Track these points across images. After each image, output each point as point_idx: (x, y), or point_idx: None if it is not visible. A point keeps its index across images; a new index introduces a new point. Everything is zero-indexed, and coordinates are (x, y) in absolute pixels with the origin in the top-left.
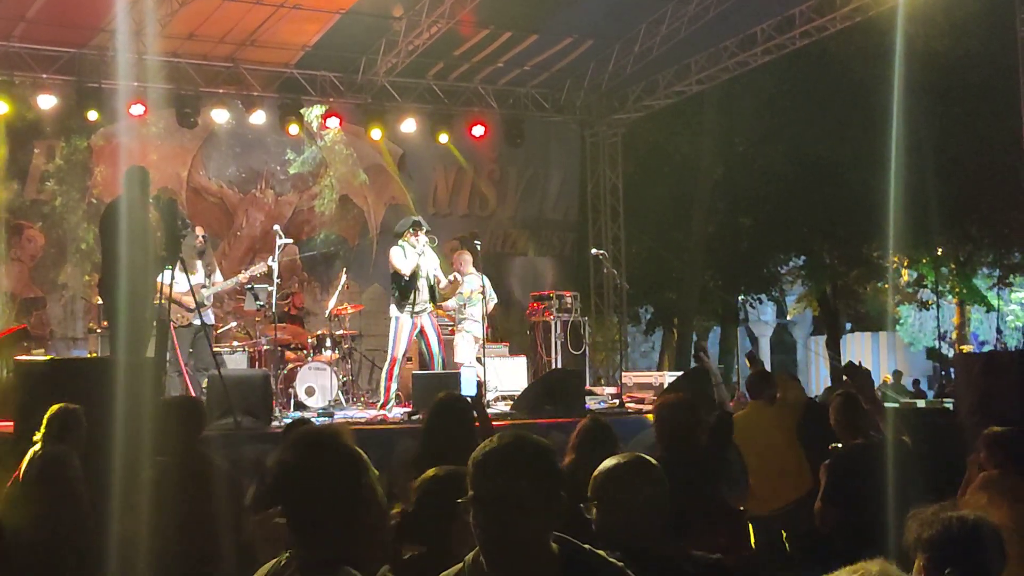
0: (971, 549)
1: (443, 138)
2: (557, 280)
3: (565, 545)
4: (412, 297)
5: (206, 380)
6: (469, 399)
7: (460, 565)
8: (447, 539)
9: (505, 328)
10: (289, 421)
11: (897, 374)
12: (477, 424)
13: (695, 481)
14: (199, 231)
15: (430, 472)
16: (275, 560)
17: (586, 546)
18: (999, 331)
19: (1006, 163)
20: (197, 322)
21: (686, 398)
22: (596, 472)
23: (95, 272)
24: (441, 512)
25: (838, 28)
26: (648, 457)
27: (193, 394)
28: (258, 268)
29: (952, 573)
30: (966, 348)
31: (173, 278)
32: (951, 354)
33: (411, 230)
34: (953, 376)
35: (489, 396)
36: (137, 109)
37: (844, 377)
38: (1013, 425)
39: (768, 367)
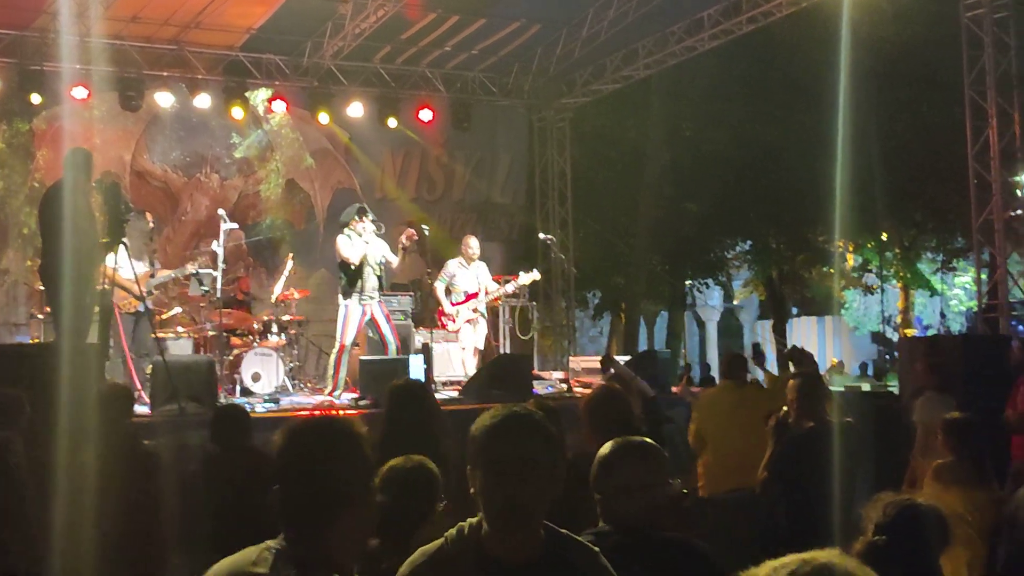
0: (908, 529)
1: (392, 122)
2: (505, 265)
3: (548, 529)
4: (360, 285)
5: (150, 366)
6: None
7: (441, 540)
8: (408, 533)
9: None
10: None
11: (840, 365)
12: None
13: None
14: (149, 216)
15: (396, 461)
16: (252, 551)
17: (563, 531)
18: (943, 315)
19: (950, 149)
20: (140, 308)
21: (614, 389)
22: (597, 457)
23: (37, 257)
24: (403, 505)
25: (784, 14)
26: (647, 439)
27: (137, 380)
28: (204, 261)
29: (880, 540)
30: (910, 332)
31: (116, 263)
32: (895, 338)
33: (356, 217)
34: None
35: (437, 382)
36: (80, 92)
37: (789, 362)
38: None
39: (715, 352)
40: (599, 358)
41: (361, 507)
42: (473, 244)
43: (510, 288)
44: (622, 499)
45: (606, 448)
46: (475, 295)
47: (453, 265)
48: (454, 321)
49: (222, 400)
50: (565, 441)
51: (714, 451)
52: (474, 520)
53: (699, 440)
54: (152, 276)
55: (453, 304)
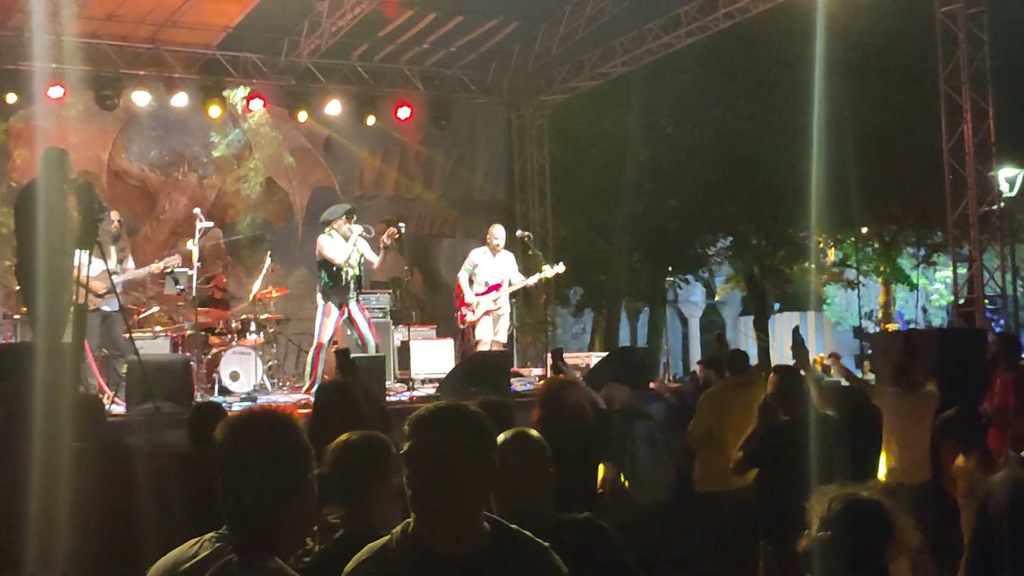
0: (851, 524)
1: (370, 120)
2: None
3: (494, 524)
4: (339, 284)
5: (125, 366)
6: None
7: (387, 537)
8: (364, 499)
9: (433, 310)
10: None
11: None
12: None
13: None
14: (114, 215)
15: (344, 436)
16: (196, 541)
17: (513, 526)
18: (924, 310)
19: (927, 144)
20: (105, 308)
21: (568, 382)
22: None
23: (14, 257)
24: (357, 473)
25: (761, 9)
26: (531, 431)
27: (102, 380)
28: (172, 260)
29: (823, 536)
30: (891, 327)
31: (90, 262)
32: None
33: (344, 218)
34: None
35: (415, 379)
36: (56, 91)
37: (791, 344)
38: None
39: (698, 348)
40: (580, 355)
41: (299, 496)
42: (498, 233)
43: (532, 281)
44: (518, 487)
45: (502, 437)
46: (497, 286)
47: (477, 254)
48: (473, 312)
49: (198, 399)
50: None
51: (716, 448)
52: None
53: (700, 437)
54: (115, 274)
55: (476, 295)
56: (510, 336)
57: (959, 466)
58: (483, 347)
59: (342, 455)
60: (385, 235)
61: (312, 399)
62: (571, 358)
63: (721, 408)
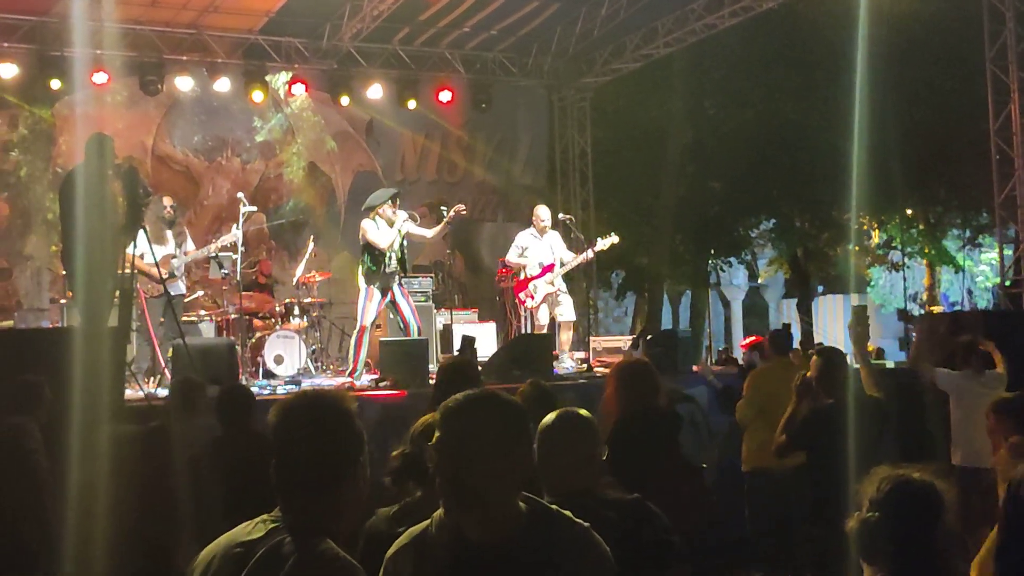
0: (901, 505)
1: (411, 104)
2: None
3: (532, 504)
4: (381, 268)
5: (171, 349)
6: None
7: (427, 522)
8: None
9: (475, 294)
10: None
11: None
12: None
13: (654, 440)
14: (167, 200)
15: (426, 418)
16: (248, 524)
17: (553, 506)
18: (970, 292)
19: (972, 125)
20: (171, 292)
21: (645, 362)
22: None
23: (61, 243)
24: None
25: None
26: (580, 411)
27: (163, 363)
28: (228, 238)
29: (873, 517)
30: (936, 309)
31: (135, 247)
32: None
33: (389, 203)
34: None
35: None
36: (100, 77)
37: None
38: None
39: (740, 331)
40: (622, 338)
41: (351, 478)
42: (543, 214)
43: (589, 255)
44: (564, 468)
45: (550, 417)
46: (551, 267)
47: (525, 237)
48: (533, 298)
49: (244, 382)
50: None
51: (764, 427)
52: None
53: (749, 415)
54: (174, 257)
55: (530, 278)
56: (551, 320)
57: None
58: (543, 331)
59: (421, 437)
60: (453, 209)
61: (435, 375)
62: (612, 341)
63: (770, 386)
